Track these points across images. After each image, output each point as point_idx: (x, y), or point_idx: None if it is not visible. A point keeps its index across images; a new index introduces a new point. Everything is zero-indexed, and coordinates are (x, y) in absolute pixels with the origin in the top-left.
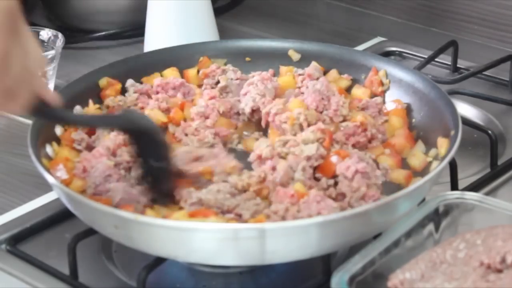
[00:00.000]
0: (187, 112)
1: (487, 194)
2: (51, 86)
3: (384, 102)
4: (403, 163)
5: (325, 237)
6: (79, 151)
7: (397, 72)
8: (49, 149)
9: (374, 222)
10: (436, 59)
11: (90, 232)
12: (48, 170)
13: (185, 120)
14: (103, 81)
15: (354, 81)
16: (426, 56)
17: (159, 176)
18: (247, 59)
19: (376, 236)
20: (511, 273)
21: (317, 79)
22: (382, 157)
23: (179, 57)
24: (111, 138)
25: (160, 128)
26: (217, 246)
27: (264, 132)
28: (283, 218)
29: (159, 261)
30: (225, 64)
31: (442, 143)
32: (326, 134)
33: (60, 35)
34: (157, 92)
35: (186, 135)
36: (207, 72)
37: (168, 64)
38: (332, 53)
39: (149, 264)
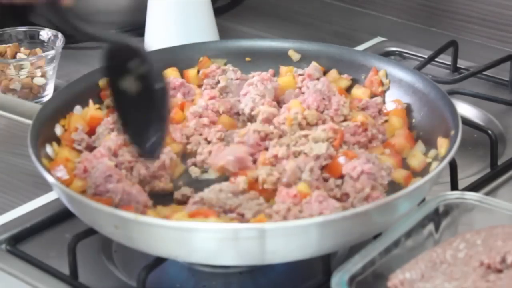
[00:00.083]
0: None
1: (487, 194)
2: (51, 86)
3: (384, 102)
4: (403, 164)
5: (325, 237)
6: (79, 151)
7: (397, 72)
8: (49, 149)
9: (374, 222)
10: (436, 59)
11: (90, 232)
12: (48, 170)
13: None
14: (103, 81)
15: (354, 81)
16: (426, 56)
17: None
18: (247, 59)
19: (376, 236)
20: (511, 273)
21: (317, 79)
22: (382, 157)
23: (179, 57)
24: (112, 139)
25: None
26: (217, 246)
27: None
28: (285, 218)
29: (159, 261)
30: (225, 64)
31: (442, 143)
32: (337, 134)
33: (60, 35)
34: None
35: (187, 136)
36: (207, 72)
37: (168, 64)
38: (332, 53)
39: (149, 264)
